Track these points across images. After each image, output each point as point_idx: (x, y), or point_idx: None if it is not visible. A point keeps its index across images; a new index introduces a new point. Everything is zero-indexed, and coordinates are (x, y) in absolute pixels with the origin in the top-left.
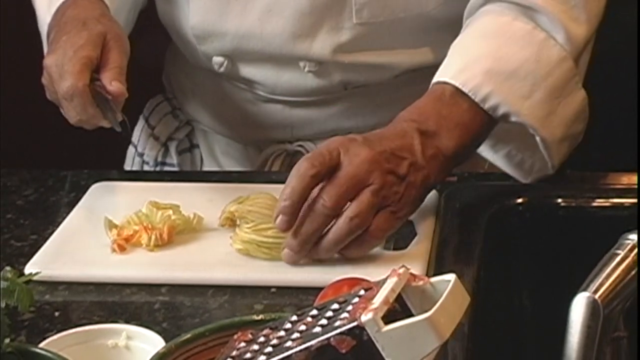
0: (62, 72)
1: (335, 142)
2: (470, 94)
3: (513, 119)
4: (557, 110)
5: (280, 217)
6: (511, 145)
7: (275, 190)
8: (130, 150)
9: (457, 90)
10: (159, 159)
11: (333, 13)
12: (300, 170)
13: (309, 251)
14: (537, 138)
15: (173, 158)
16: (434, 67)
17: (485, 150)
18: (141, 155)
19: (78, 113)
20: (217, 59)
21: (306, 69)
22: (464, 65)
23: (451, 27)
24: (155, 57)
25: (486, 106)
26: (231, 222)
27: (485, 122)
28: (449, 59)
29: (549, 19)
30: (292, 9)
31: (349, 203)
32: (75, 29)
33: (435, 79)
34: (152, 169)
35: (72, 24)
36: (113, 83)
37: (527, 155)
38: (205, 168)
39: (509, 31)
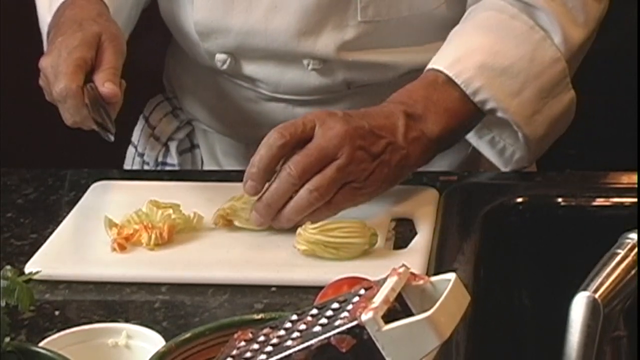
0: (56, 73)
1: (313, 114)
2: (462, 86)
3: (499, 114)
4: (543, 110)
5: (248, 182)
6: (495, 132)
7: None
8: (130, 150)
9: (450, 80)
10: (160, 159)
11: (338, 10)
12: (269, 140)
13: (273, 218)
14: (519, 134)
15: (174, 158)
16: None
17: (469, 135)
18: (141, 155)
19: (71, 115)
20: (220, 57)
21: (310, 67)
22: (459, 56)
23: (454, 27)
24: (155, 57)
25: (476, 99)
26: (225, 221)
27: (473, 112)
28: (446, 47)
29: (548, 19)
30: (297, 6)
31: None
32: (70, 29)
33: (430, 65)
34: (152, 169)
35: (68, 25)
36: (106, 84)
37: (509, 143)
38: (206, 168)
39: (508, 27)
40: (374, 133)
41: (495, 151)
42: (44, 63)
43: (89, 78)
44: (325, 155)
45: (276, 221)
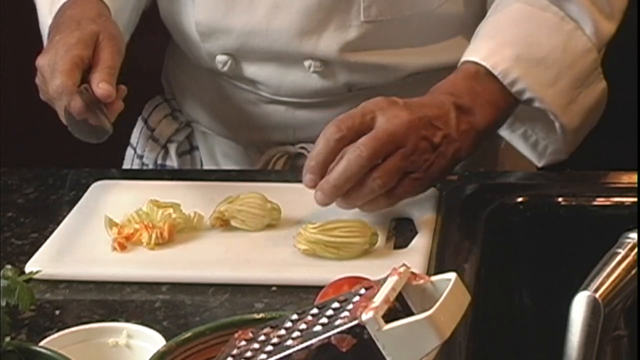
0: (53, 71)
1: (373, 103)
2: (499, 77)
3: (536, 104)
4: (578, 100)
5: (307, 175)
6: (527, 125)
7: (275, 189)
8: (129, 152)
9: (488, 72)
10: (159, 161)
11: (341, 10)
12: (327, 134)
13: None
14: (557, 124)
15: (173, 160)
16: (438, 70)
17: (502, 129)
18: (140, 157)
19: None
20: (220, 58)
21: (311, 69)
22: (494, 48)
23: (456, 28)
24: (154, 58)
25: (513, 90)
26: (221, 222)
27: (512, 102)
28: (480, 39)
29: (578, 10)
30: (299, 6)
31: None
32: (68, 28)
33: (466, 57)
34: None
35: (67, 24)
36: (100, 85)
37: (542, 137)
38: (209, 169)
39: (539, 19)
40: (433, 124)
41: (528, 145)
42: (41, 62)
43: (85, 77)
44: (394, 141)
45: (340, 201)
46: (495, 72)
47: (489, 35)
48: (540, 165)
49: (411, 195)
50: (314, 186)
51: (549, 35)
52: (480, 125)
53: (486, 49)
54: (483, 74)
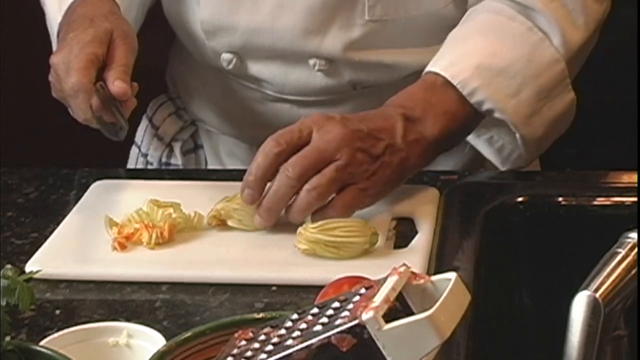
0: (68, 68)
1: (310, 119)
2: (458, 87)
3: (497, 115)
4: (542, 111)
5: (246, 190)
6: (494, 131)
7: None
8: (134, 150)
9: (448, 82)
10: (163, 160)
11: (345, 9)
12: (265, 148)
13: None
14: (517, 135)
15: (178, 159)
16: None
17: None
18: (145, 155)
19: (83, 111)
20: (225, 56)
21: (316, 67)
22: (456, 58)
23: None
24: (158, 57)
25: (472, 100)
26: (218, 221)
27: (471, 114)
28: (443, 49)
29: (547, 20)
30: (304, 4)
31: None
32: (81, 26)
33: (428, 68)
34: (155, 169)
35: (80, 22)
36: (115, 82)
37: (507, 142)
38: (210, 168)
39: (505, 29)
40: (373, 135)
41: (493, 150)
42: (55, 59)
43: (100, 75)
44: (323, 157)
45: (285, 217)
46: (454, 82)
47: (453, 45)
48: (503, 169)
49: (363, 205)
50: (252, 202)
51: (514, 45)
52: (432, 135)
53: (448, 59)
54: (441, 84)
